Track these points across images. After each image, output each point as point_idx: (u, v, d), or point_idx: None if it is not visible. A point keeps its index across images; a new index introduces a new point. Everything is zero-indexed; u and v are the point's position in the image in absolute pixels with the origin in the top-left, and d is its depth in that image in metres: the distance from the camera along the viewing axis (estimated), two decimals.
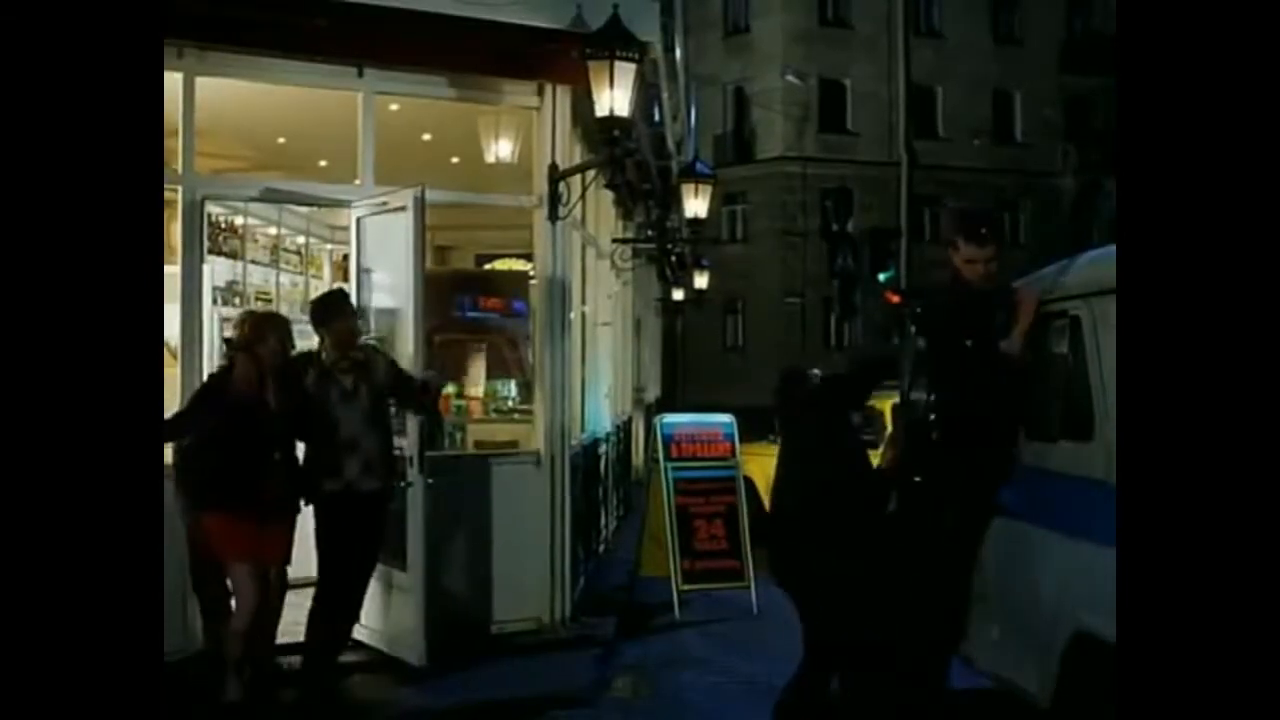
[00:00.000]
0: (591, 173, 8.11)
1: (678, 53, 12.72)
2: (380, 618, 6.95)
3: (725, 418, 9.74)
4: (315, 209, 9.96)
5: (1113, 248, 4.99)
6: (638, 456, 15.68)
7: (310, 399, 6.04)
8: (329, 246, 11.47)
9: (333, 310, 6.29)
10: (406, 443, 6.59)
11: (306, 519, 6.13)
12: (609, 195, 11.40)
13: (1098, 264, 4.98)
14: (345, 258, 8.64)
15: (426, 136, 9.22)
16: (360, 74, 7.31)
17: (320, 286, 11.09)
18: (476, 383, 9.45)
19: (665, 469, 9.11)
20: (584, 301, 9.61)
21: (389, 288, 7.17)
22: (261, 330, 5.98)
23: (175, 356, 6.64)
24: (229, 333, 6.46)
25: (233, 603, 5.96)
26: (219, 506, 5.79)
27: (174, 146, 6.66)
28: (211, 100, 6.92)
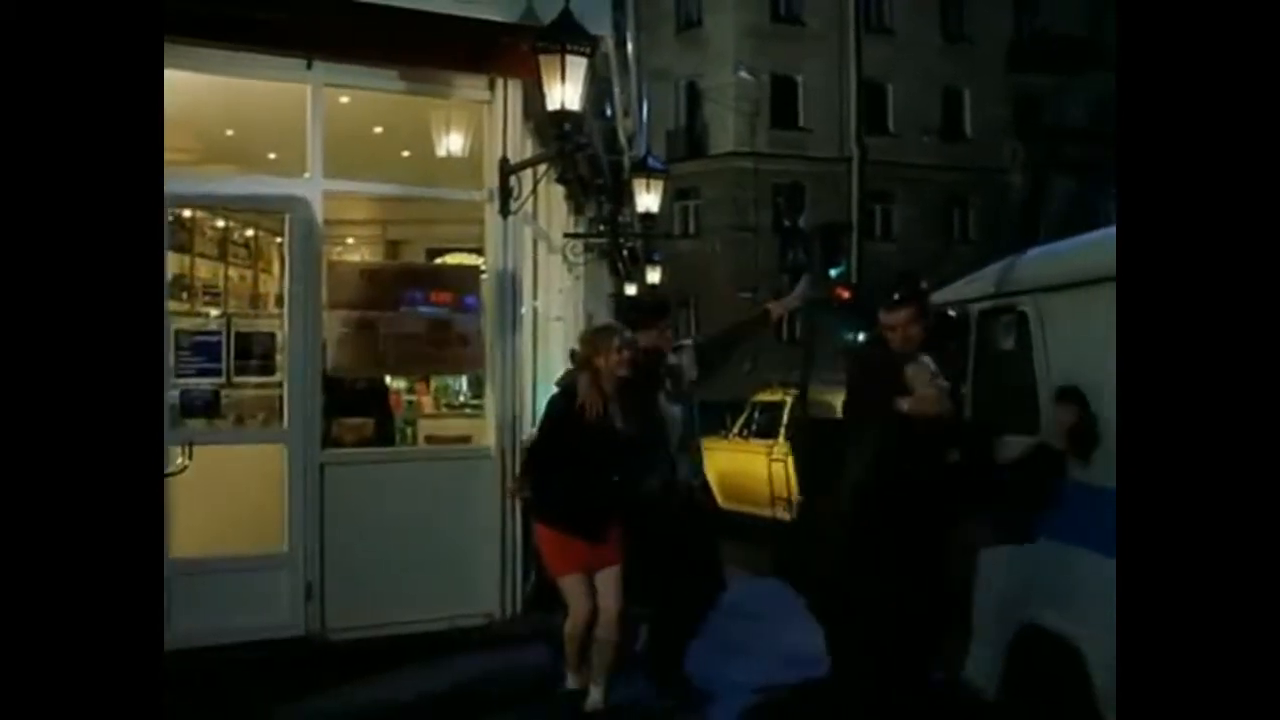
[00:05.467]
0: (543, 167, 8.09)
1: (629, 47, 12.71)
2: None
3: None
4: (263, 201, 9.85)
5: (1059, 244, 5.07)
6: None
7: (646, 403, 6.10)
8: (279, 240, 11.36)
9: (650, 314, 6.45)
10: None
11: None
12: (560, 190, 11.38)
13: (1044, 260, 5.05)
14: None
15: (377, 130, 9.16)
16: (309, 66, 7.25)
17: (269, 281, 11.00)
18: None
19: None
20: (535, 296, 9.59)
21: None
22: (596, 345, 5.86)
23: None
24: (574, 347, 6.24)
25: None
26: (553, 524, 5.85)
27: None
28: None
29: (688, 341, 6.76)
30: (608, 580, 5.84)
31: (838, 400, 6.98)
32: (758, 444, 13.10)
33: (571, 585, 5.84)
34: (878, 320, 5.28)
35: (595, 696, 5.88)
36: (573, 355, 6.09)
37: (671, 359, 6.41)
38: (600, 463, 5.81)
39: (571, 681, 6.02)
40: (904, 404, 4.87)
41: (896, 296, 5.19)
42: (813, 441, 6.47)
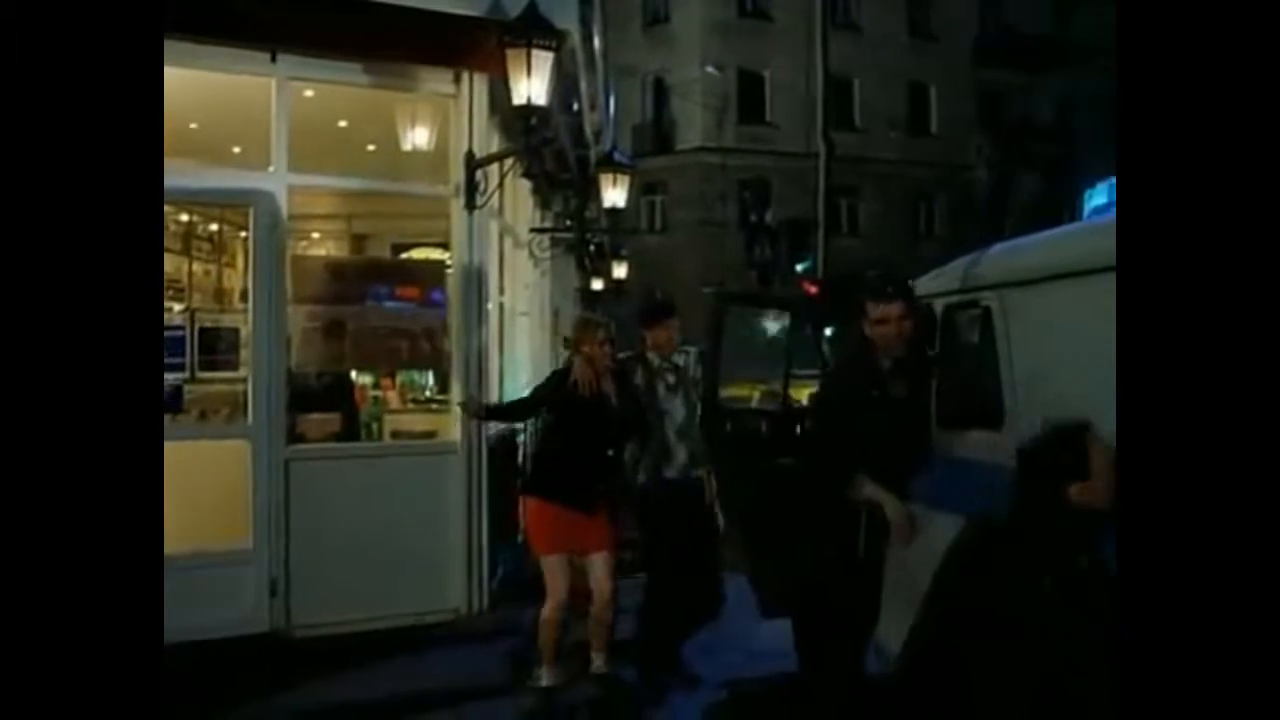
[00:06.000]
0: (509, 161, 8.08)
1: (596, 42, 12.70)
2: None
3: None
4: (227, 195, 9.79)
5: (1022, 239, 5.10)
6: None
7: (642, 395, 6.48)
8: (243, 234, 11.28)
9: (659, 314, 6.78)
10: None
11: None
12: (526, 184, 11.36)
13: (1008, 255, 5.07)
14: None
15: (342, 124, 9.11)
16: (274, 59, 7.20)
17: (233, 275, 10.93)
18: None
19: None
20: (501, 291, 9.57)
21: None
22: (582, 334, 6.28)
23: None
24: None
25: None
26: (543, 494, 6.14)
27: None
28: None
29: (692, 348, 6.98)
30: (600, 563, 6.08)
31: (803, 394, 7.01)
32: None
33: (553, 566, 6.04)
34: (863, 313, 5.13)
35: (599, 662, 6.15)
36: (566, 341, 6.44)
37: (678, 359, 6.70)
38: (592, 437, 6.10)
39: (546, 677, 6.07)
40: (1074, 490, 3.88)
41: (890, 289, 5.10)
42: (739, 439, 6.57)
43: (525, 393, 6.90)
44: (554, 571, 6.03)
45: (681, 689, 6.41)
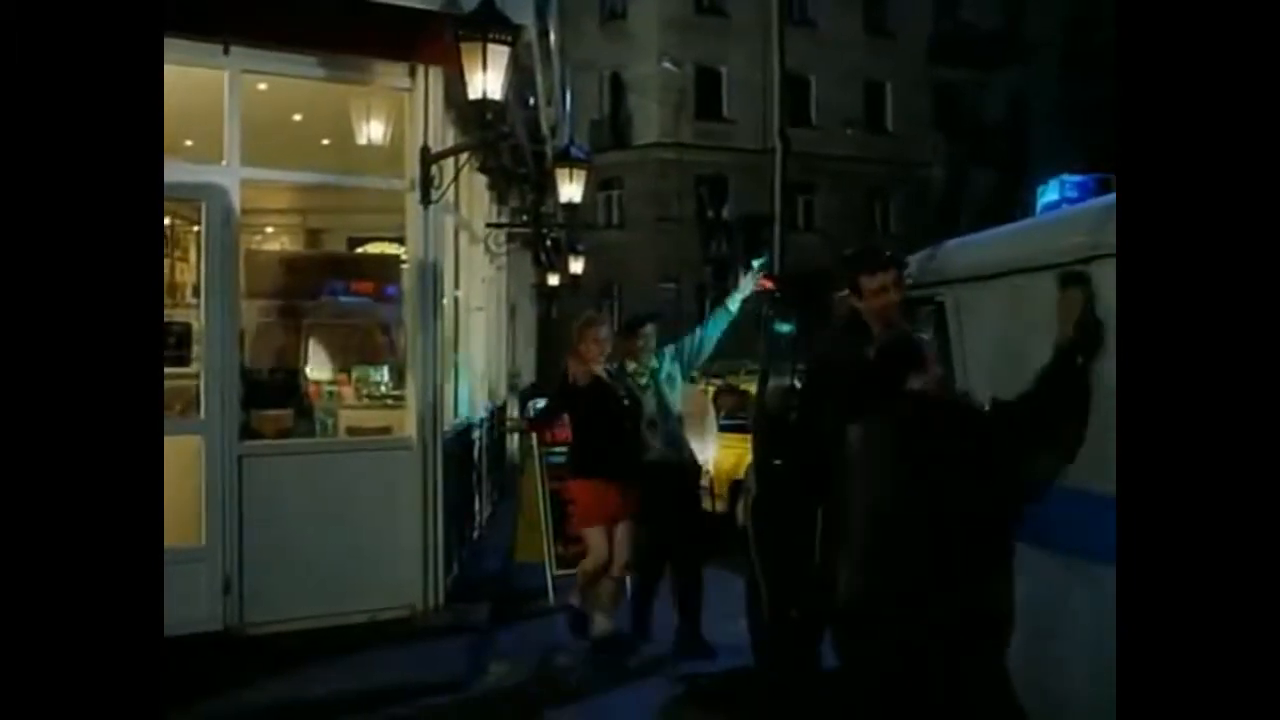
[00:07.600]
0: (464, 156, 8.05)
1: (552, 37, 12.65)
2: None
3: None
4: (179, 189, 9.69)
5: (975, 236, 5.14)
6: (512, 442, 15.62)
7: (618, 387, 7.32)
8: (196, 228, 11.15)
9: (634, 324, 7.72)
10: None
11: None
12: (483, 179, 11.32)
13: (962, 251, 5.10)
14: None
15: (297, 117, 9.05)
16: (227, 52, 7.14)
17: (186, 270, 10.82)
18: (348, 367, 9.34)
19: (538, 455, 9.09)
20: (457, 286, 9.54)
21: None
22: (581, 331, 7.23)
23: None
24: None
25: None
26: (585, 477, 7.18)
27: None
28: None
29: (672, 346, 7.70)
30: (623, 532, 7.06)
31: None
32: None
33: (597, 535, 7.06)
34: (855, 289, 4.96)
35: (605, 625, 7.12)
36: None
37: (652, 362, 7.45)
38: (606, 420, 7.06)
39: (604, 624, 7.13)
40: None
41: (886, 256, 5.02)
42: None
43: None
44: (598, 540, 7.04)
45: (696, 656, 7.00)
